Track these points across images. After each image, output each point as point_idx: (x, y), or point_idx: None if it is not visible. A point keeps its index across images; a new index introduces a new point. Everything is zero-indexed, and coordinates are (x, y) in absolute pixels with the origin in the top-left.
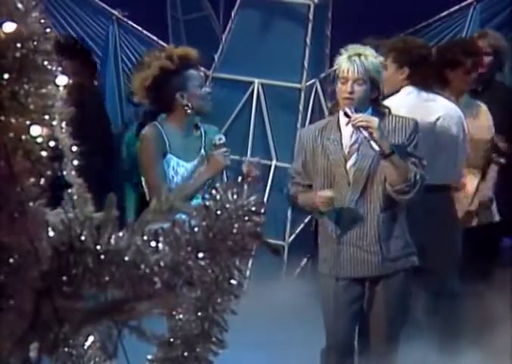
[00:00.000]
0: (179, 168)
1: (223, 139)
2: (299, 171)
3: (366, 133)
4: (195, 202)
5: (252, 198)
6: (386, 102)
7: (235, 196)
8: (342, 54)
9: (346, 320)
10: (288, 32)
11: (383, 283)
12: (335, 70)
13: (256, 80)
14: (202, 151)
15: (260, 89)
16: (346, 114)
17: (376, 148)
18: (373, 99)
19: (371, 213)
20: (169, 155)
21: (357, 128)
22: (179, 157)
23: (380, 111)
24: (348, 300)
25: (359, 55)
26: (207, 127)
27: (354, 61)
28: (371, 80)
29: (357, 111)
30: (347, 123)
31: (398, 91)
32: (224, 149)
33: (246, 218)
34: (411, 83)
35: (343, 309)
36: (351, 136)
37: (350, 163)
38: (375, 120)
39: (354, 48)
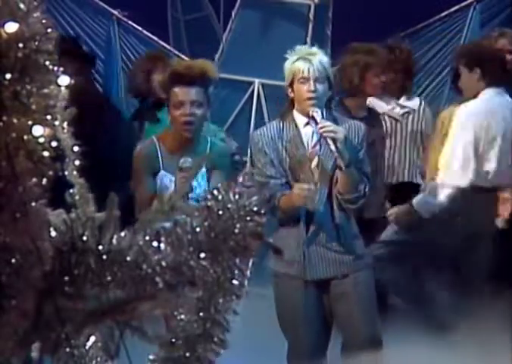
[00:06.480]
0: (171, 185)
1: (187, 163)
2: (270, 175)
3: (331, 144)
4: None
5: (254, 198)
6: (467, 107)
7: (236, 196)
8: (292, 56)
9: (319, 321)
10: (289, 32)
11: (353, 280)
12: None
13: (256, 80)
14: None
15: (261, 89)
16: (313, 118)
17: (339, 160)
18: (327, 100)
19: (336, 213)
20: (162, 172)
21: (323, 136)
22: (172, 174)
23: (332, 114)
24: (317, 302)
25: (312, 55)
26: (214, 139)
27: (310, 61)
28: (328, 79)
29: (323, 115)
30: (306, 124)
31: (476, 96)
32: (183, 174)
33: (248, 218)
34: (487, 84)
35: (314, 310)
36: (312, 136)
37: (314, 163)
38: (342, 132)
39: (302, 49)
